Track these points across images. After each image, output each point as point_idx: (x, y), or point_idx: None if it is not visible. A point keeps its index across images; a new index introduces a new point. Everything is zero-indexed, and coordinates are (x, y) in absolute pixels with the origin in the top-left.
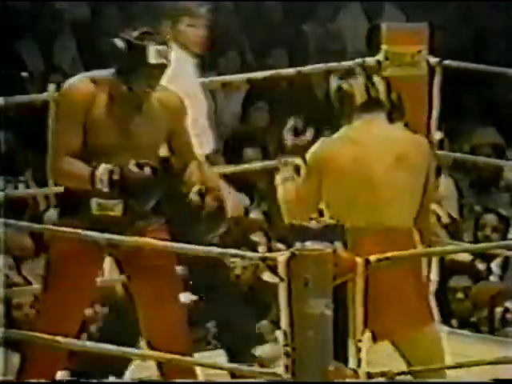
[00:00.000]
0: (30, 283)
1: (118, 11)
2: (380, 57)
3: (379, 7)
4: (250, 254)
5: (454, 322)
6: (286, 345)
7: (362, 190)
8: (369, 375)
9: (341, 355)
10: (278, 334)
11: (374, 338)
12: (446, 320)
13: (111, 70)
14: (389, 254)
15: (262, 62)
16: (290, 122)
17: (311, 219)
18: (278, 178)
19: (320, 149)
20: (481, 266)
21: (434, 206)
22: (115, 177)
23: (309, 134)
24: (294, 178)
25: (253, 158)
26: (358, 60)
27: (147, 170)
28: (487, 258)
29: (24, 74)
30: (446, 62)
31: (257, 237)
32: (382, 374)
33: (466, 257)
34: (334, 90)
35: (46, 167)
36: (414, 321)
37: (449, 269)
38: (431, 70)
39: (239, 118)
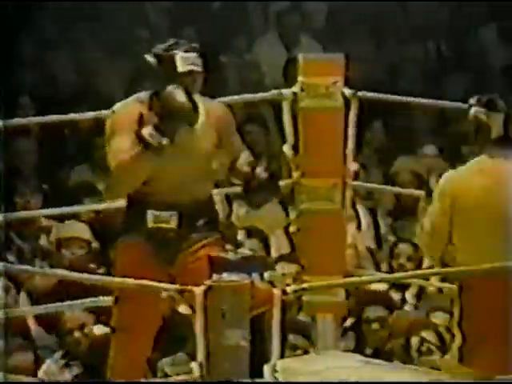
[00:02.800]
0: None
1: (34, 39)
2: (296, 88)
3: (296, 37)
4: (166, 285)
5: (368, 350)
6: (201, 376)
7: (489, 227)
8: None
9: None
10: (194, 365)
11: None
12: (360, 349)
13: (149, 92)
14: (305, 285)
15: None
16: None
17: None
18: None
19: (450, 179)
20: (395, 295)
21: (351, 238)
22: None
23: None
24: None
25: None
26: (274, 91)
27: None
28: (402, 287)
29: None
30: (361, 93)
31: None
32: None
33: (381, 286)
34: (471, 117)
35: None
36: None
37: (364, 299)
38: (347, 102)
39: None
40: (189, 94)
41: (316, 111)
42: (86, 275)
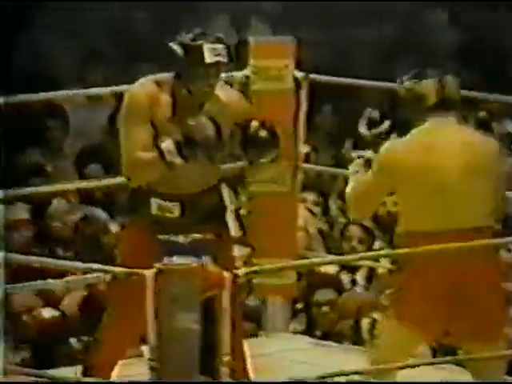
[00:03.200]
0: None
1: None
2: (247, 71)
3: (246, 20)
4: (115, 269)
5: (318, 333)
6: (151, 359)
7: (434, 195)
8: None
9: (209, 369)
10: (145, 348)
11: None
12: (310, 331)
13: (171, 74)
14: (256, 268)
15: (128, 75)
16: (366, 114)
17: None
18: (350, 170)
19: (391, 150)
20: (346, 277)
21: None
22: (178, 138)
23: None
24: (365, 171)
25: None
26: (227, 74)
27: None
28: (352, 269)
29: None
30: (312, 75)
31: None
32: None
33: (331, 269)
34: (404, 92)
35: None
36: (488, 330)
37: (314, 281)
38: (297, 84)
39: (107, 131)
40: (215, 123)
41: (267, 94)
42: (34, 258)
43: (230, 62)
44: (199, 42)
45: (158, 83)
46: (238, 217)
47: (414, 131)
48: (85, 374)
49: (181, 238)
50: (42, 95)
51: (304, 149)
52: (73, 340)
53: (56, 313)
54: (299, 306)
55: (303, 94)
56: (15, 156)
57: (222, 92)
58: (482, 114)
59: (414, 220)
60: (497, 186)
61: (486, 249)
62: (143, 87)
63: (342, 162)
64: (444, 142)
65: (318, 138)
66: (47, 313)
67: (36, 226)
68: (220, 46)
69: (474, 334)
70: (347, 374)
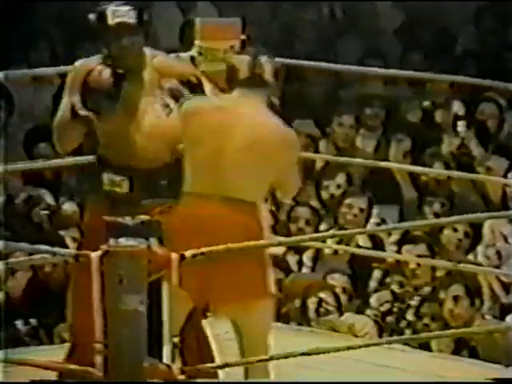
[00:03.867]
0: None
1: None
2: (193, 52)
3: (192, 1)
4: (62, 250)
5: None
6: (98, 342)
7: (211, 158)
8: (182, 371)
9: (156, 351)
10: None
11: (205, 311)
12: None
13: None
14: (204, 249)
15: (73, 55)
16: None
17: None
18: None
19: (192, 103)
20: (292, 258)
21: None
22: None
23: None
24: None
25: (45, 153)
26: (173, 55)
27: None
28: (299, 251)
29: None
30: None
31: None
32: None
33: (278, 250)
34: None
35: None
36: (247, 292)
37: None
38: None
39: (50, 112)
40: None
41: (213, 75)
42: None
43: (140, 25)
44: (104, 7)
45: (102, 59)
46: None
47: (217, 98)
48: (70, 355)
49: (127, 220)
50: None
51: None
52: (19, 322)
53: (0, 295)
54: None
55: None
56: None
57: (153, 57)
58: (427, 103)
59: (190, 181)
60: (274, 169)
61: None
62: (84, 63)
63: None
64: (231, 116)
65: None
66: None
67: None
68: (123, 8)
69: (231, 297)
70: (295, 356)
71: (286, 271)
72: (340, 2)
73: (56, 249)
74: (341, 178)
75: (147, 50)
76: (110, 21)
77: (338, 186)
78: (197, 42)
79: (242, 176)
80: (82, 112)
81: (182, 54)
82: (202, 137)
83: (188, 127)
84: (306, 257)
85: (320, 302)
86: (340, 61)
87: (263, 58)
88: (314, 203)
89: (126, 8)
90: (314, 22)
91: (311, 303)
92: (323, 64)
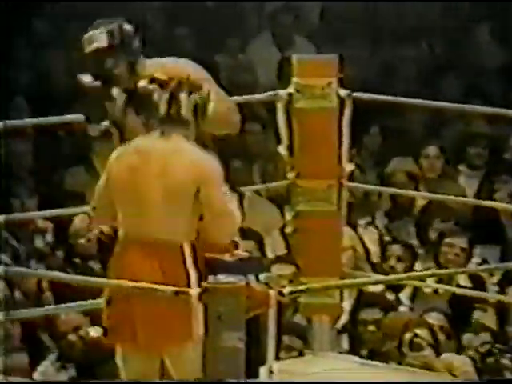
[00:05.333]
0: None
1: (27, 40)
2: (291, 89)
3: (289, 38)
4: (162, 287)
5: (363, 352)
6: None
7: (131, 200)
8: None
9: None
10: None
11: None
12: (356, 351)
13: None
14: (302, 287)
15: None
16: None
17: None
18: None
19: (115, 155)
20: (390, 296)
21: (348, 241)
22: None
23: None
24: None
25: None
26: (271, 92)
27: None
28: (396, 288)
29: None
30: (356, 94)
31: None
32: None
33: (377, 288)
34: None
35: None
36: (172, 335)
37: (361, 300)
38: (341, 102)
39: None
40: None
41: (311, 112)
42: (80, 277)
43: (118, 44)
44: (84, 34)
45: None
46: (283, 235)
47: (137, 140)
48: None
49: (226, 257)
50: None
51: (348, 167)
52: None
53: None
54: (345, 325)
55: (347, 112)
56: (60, 176)
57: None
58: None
59: (123, 226)
60: (193, 207)
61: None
62: None
63: (388, 181)
64: (147, 156)
65: (363, 158)
66: (94, 332)
67: (63, 247)
68: (95, 32)
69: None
70: None
71: (385, 309)
72: (440, 38)
73: (156, 285)
74: (440, 217)
75: (146, 62)
76: (86, 49)
77: (438, 225)
78: (294, 79)
79: (163, 216)
80: (92, 132)
81: (280, 92)
82: (121, 181)
83: (111, 174)
84: (404, 295)
85: (415, 336)
86: (440, 98)
87: (182, 95)
88: (414, 241)
89: (98, 32)
90: (414, 58)
91: (406, 338)
92: (423, 101)
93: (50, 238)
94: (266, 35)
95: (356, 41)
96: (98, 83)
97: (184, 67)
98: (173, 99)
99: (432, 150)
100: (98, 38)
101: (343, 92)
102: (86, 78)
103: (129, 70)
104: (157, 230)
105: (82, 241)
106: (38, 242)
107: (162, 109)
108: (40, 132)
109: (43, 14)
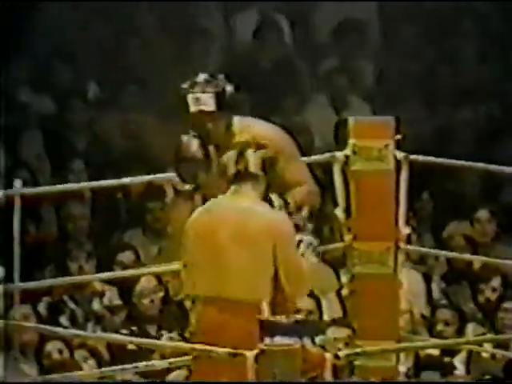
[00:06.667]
0: None
1: (84, 104)
2: (348, 151)
3: (345, 99)
4: (218, 349)
5: None
6: None
7: (206, 260)
8: None
9: None
10: None
11: None
12: None
13: None
14: (358, 350)
15: None
16: None
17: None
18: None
19: (193, 215)
20: (446, 359)
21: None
22: None
23: None
24: None
25: None
26: (327, 154)
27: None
28: (451, 352)
29: None
30: (413, 156)
31: None
32: None
33: (434, 351)
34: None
35: None
36: None
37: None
38: (398, 165)
39: None
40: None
41: (368, 174)
42: (137, 339)
43: (221, 109)
44: (185, 92)
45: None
46: (339, 297)
47: (213, 199)
48: None
49: (283, 318)
50: None
51: (405, 230)
52: None
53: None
54: None
55: (404, 174)
56: (117, 238)
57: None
58: None
59: (192, 283)
60: (269, 264)
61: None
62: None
63: (444, 245)
64: (221, 209)
65: (419, 220)
66: None
67: (126, 306)
68: (204, 96)
69: None
70: None
71: (444, 373)
72: (496, 101)
73: (212, 347)
74: (496, 281)
75: (236, 121)
76: (192, 108)
77: (494, 290)
78: (351, 141)
79: (238, 275)
80: (180, 187)
81: (337, 154)
82: (198, 242)
83: (189, 235)
84: (458, 359)
85: None
86: (498, 161)
87: (248, 151)
88: (471, 306)
89: (207, 95)
90: (471, 121)
91: None
92: (479, 164)
93: (107, 300)
94: (321, 97)
95: (411, 102)
96: (189, 187)
97: (275, 137)
98: (240, 157)
99: (483, 213)
100: (206, 101)
101: (400, 154)
102: (181, 185)
103: (225, 129)
104: (236, 289)
105: (146, 301)
106: (96, 305)
107: (231, 167)
108: (97, 194)
109: (98, 77)
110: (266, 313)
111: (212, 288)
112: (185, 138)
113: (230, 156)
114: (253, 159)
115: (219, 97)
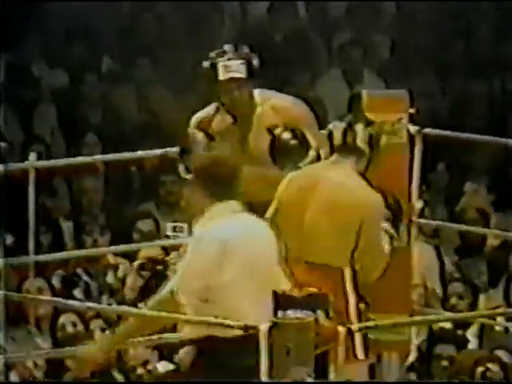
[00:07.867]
0: None
1: (97, 78)
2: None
3: (359, 73)
4: (232, 322)
5: None
6: None
7: (296, 222)
8: None
9: None
10: None
11: None
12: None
13: None
14: (371, 323)
15: None
16: None
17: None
18: None
19: (291, 174)
20: (459, 332)
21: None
22: None
23: None
24: None
25: None
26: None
27: None
28: (464, 326)
29: (3, 144)
30: (426, 130)
31: None
32: None
33: (447, 324)
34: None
35: None
36: None
37: (434, 335)
38: (411, 138)
39: None
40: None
41: (381, 148)
42: (151, 312)
43: (250, 77)
44: (216, 60)
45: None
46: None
47: (309, 166)
48: None
49: (295, 292)
50: None
51: (418, 204)
52: None
53: (171, 366)
54: (415, 361)
55: (417, 148)
56: (131, 211)
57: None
58: None
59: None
60: (354, 237)
61: None
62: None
63: (457, 218)
64: (317, 182)
65: (432, 194)
66: (162, 367)
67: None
68: (235, 63)
69: None
70: None
71: (458, 346)
72: (511, 76)
73: (225, 320)
74: None
75: (256, 92)
76: (222, 76)
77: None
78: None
79: (323, 240)
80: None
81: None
82: (291, 202)
83: (282, 194)
84: (470, 333)
85: (487, 370)
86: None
87: (359, 126)
88: (484, 279)
89: (238, 62)
90: (485, 95)
91: (478, 371)
92: (493, 138)
93: (121, 273)
94: (335, 70)
95: (425, 76)
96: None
97: (292, 107)
98: (348, 129)
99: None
100: (237, 68)
101: (413, 128)
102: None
103: (249, 98)
104: (319, 254)
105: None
106: (110, 278)
107: (338, 137)
108: (111, 168)
109: (112, 51)
110: (348, 278)
111: (296, 249)
112: (191, 130)
113: (337, 126)
114: (361, 134)
115: (250, 65)
